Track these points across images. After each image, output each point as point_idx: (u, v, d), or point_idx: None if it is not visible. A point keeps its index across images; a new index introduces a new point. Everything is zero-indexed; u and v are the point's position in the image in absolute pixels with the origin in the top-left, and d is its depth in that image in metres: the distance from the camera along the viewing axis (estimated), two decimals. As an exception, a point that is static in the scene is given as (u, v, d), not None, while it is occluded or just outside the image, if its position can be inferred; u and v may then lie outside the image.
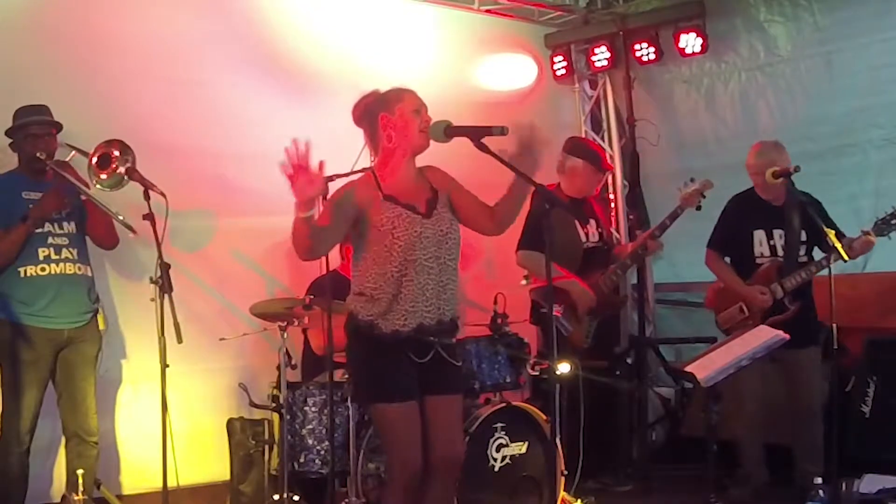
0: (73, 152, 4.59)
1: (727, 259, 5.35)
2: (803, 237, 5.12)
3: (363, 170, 3.86)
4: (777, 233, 5.14)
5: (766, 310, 5.10)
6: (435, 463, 3.71)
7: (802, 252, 5.12)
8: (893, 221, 4.88)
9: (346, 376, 4.62)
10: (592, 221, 5.75)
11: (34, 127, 4.52)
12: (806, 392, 5.07)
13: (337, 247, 4.57)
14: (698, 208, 5.44)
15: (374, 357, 3.66)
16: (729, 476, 5.22)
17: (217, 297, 5.52)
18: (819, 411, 5.10)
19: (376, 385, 3.66)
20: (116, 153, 4.42)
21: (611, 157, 7.27)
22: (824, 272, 4.93)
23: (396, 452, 3.68)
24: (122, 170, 4.42)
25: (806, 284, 5.09)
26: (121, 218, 4.44)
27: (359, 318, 3.67)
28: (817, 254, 5.14)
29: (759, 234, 5.18)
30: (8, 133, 4.58)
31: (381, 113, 3.71)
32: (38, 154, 4.47)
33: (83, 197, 4.58)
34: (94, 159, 4.43)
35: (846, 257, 4.72)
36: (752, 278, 5.19)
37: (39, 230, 4.50)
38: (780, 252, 5.12)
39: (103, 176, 4.43)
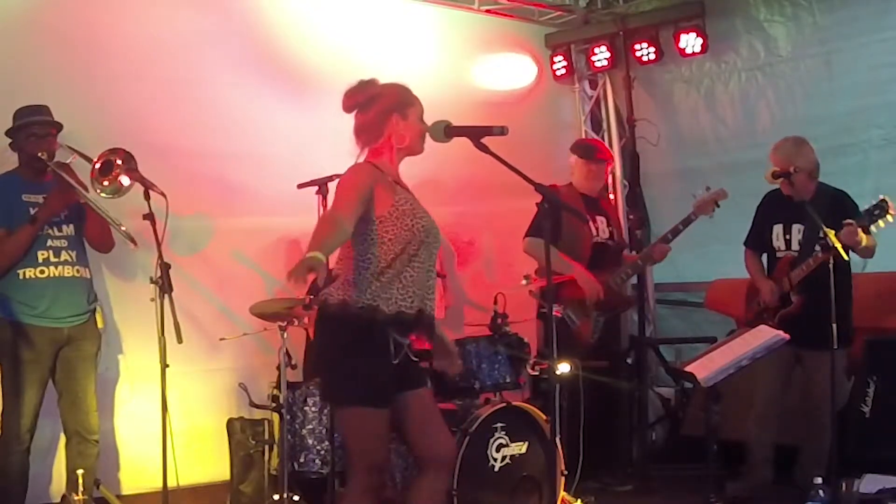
0: (74, 155, 4.59)
1: (763, 255, 5.39)
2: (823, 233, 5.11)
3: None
4: (796, 227, 5.14)
5: (778, 303, 5.12)
6: (430, 456, 3.64)
7: (818, 247, 5.06)
8: (877, 212, 4.86)
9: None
10: (603, 219, 5.78)
11: (35, 127, 4.52)
12: (820, 394, 5.04)
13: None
14: (711, 216, 5.51)
15: (359, 352, 3.49)
16: (731, 476, 5.21)
17: (217, 298, 5.52)
18: (830, 415, 5.07)
19: (360, 387, 3.49)
20: (119, 161, 4.42)
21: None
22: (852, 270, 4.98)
23: (366, 458, 3.54)
24: (124, 180, 4.41)
25: (820, 281, 4.91)
26: (123, 229, 4.42)
27: (357, 306, 3.49)
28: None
29: (777, 228, 5.21)
30: (8, 133, 4.58)
31: (394, 114, 3.65)
32: (39, 154, 4.47)
33: (82, 201, 4.58)
34: (97, 165, 4.41)
35: (846, 257, 4.71)
36: (772, 273, 5.23)
37: (39, 232, 4.50)
38: (796, 246, 5.12)
39: (105, 183, 4.42)
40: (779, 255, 5.22)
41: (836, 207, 5.00)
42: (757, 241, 5.37)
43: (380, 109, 3.67)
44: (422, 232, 3.58)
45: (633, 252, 6.25)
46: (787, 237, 5.17)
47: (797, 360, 5.11)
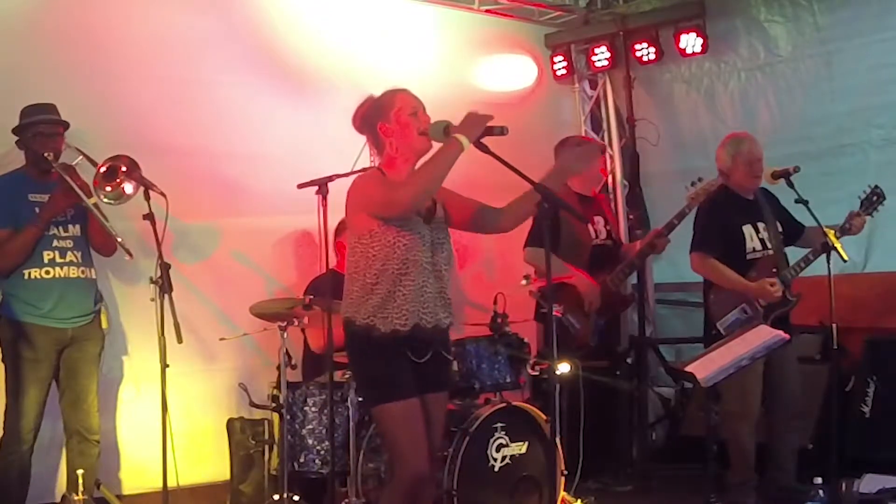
0: (80, 156, 4.58)
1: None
2: (779, 227, 5.10)
3: (363, 170, 3.85)
4: (761, 225, 5.06)
5: (770, 305, 4.99)
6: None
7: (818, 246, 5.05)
8: (874, 198, 4.89)
9: (347, 376, 4.63)
10: (600, 218, 5.77)
11: (42, 126, 4.52)
12: (795, 388, 5.03)
13: (331, 244, 4.60)
14: None
15: (372, 359, 3.63)
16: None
17: (217, 297, 5.52)
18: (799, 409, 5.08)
19: (377, 386, 3.63)
20: (124, 168, 4.42)
21: (610, 155, 7.31)
22: (816, 271, 4.91)
23: (401, 453, 3.61)
24: (127, 187, 4.41)
25: None
26: (120, 241, 4.43)
27: (356, 323, 3.63)
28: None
29: (749, 229, 5.04)
30: (15, 131, 4.57)
31: (378, 122, 3.68)
32: (45, 154, 4.46)
33: (83, 205, 4.57)
34: (102, 170, 4.41)
35: (845, 257, 4.71)
36: (748, 275, 5.01)
37: (45, 232, 4.49)
38: (769, 245, 5.05)
39: (108, 188, 4.42)
40: (751, 256, 5.02)
41: (777, 201, 5.03)
42: (716, 244, 5.06)
43: (367, 125, 3.73)
44: (403, 249, 3.59)
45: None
46: (760, 236, 5.04)
47: (766, 362, 4.89)
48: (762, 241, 5.05)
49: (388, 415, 3.62)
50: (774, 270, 4.99)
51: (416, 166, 3.74)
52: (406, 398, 3.59)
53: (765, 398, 5.04)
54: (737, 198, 5.09)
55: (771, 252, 5.03)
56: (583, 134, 7.32)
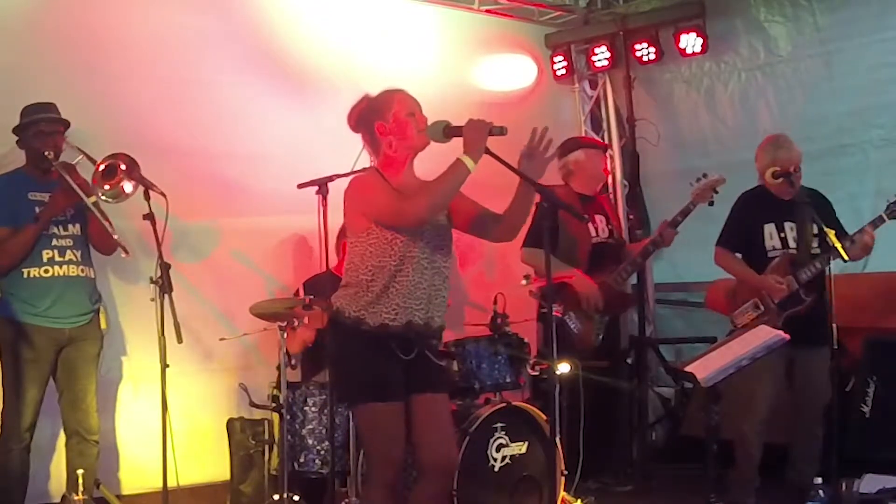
0: (81, 156, 4.58)
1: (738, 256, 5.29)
2: (815, 230, 5.09)
3: (363, 169, 3.85)
4: (788, 225, 5.06)
5: (783, 303, 5.00)
6: (427, 463, 3.67)
7: (815, 244, 5.03)
8: None
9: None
10: (602, 217, 5.75)
11: (43, 124, 4.52)
12: (817, 393, 5.02)
13: (333, 245, 4.60)
14: (710, 203, 5.42)
15: (360, 354, 3.61)
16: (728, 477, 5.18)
17: (217, 297, 5.52)
18: (822, 412, 5.07)
19: (365, 383, 3.60)
20: (123, 167, 4.43)
21: (610, 155, 7.31)
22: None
23: (381, 451, 3.62)
24: (126, 186, 4.42)
25: (820, 279, 4.96)
26: (116, 237, 4.44)
27: (344, 315, 3.62)
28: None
29: (770, 228, 5.08)
30: (16, 130, 4.57)
31: (376, 122, 3.68)
32: (45, 152, 4.46)
33: (83, 203, 4.57)
34: (101, 168, 4.41)
35: (846, 257, 4.70)
36: (765, 272, 5.06)
37: (44, 232, 4.50)
38: (792, 244, 5.06)
39: (106, 187, 4.43)
40: (772, 254, 5.07)
41: (823, 205, 5.00)
42: (736, 241, 5.18)
43: (363, 125, 3.74)
44: (401, 245, 3.59)
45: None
46: (782, 235, 5.06)
47: (790, 361, 5.03)
48: (783, 240, 5.06)
49: (371, 415, 3.61)
50: (790, 269, 5.00)
51: (413, 165, 3.75)
52: (391, 400, 3.58)
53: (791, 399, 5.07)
54: (769, 197, 5.09)
55: (794, 252, 5.04)
56: (583, 134, 7.33)
